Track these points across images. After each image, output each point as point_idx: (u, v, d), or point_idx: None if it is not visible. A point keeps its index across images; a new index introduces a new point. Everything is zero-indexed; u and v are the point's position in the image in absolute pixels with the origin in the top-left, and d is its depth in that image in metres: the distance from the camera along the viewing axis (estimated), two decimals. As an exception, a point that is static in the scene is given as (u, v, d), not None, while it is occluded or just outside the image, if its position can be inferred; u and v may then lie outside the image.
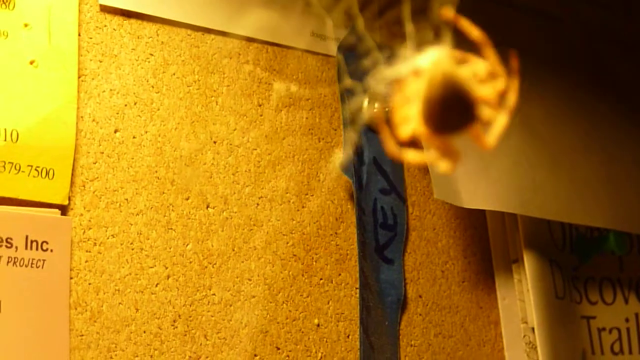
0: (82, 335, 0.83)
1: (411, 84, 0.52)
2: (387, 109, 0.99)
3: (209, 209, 0.93)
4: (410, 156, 0.54)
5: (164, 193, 0.90)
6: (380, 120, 0.55)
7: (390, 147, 0.54)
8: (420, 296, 1.08)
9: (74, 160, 0.85)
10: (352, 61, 1.02)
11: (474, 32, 0.53)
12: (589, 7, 1.16)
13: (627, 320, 1.21)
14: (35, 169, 0.81)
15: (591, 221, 1.12)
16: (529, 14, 1.09)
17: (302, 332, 0.97)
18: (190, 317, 0.89)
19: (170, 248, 0.89)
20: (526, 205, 1.05)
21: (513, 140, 1.04)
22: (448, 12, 0.53)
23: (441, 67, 0.51)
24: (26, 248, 0.80)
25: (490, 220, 1.16)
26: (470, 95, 0.52)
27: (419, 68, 0.52)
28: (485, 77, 0.52)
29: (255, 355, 0.93)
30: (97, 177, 0.86)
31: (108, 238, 0.86)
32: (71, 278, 0.83)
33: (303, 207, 1.00)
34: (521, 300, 1.11)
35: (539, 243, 1.11)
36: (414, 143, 0.54)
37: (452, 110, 0.52)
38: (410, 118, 0.52)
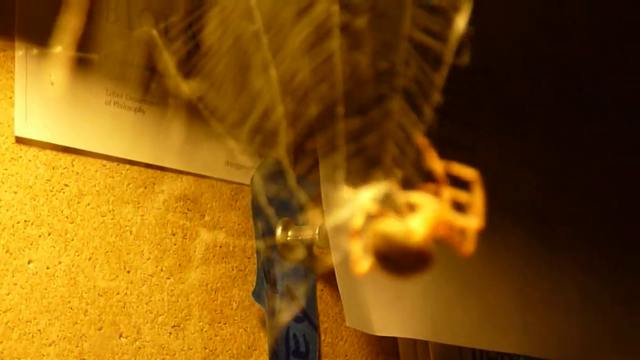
0: None
1: (358, 232, 0.53)
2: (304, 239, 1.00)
3: (121, 338, 0.92)
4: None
5: (77, 323, 0.89)
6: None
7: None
8: None
9: (-13, 291, 0.84)
10: (267, 190, 1.04)
11: (467, 172, 0.54)
12: (503, 136, 1.20)
13: None
14: (-53, 301, 0.80)
15: (502, 347, 1.14)
16: (444, 144, 1.12)
17: None
18: None
19: (82, 379, 0.88)
20: (437, 332, 1.07)
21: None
22: (422, 140, 0.53)
23: (380, 229, 0.51)
24: None
25: (402, 347, 1.17)
26: (415, 244, 0.52)
27: (358, 210, 0.52)
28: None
29: None
30: (10, 308, 0.85)
31: (19, 370, 0.85)
32: (-20, 412, 0.81)
33: (216, 335, 1.00)
34: None
35: (450, 368, 1.13)
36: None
37: (404, 262, 0.52)
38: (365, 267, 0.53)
